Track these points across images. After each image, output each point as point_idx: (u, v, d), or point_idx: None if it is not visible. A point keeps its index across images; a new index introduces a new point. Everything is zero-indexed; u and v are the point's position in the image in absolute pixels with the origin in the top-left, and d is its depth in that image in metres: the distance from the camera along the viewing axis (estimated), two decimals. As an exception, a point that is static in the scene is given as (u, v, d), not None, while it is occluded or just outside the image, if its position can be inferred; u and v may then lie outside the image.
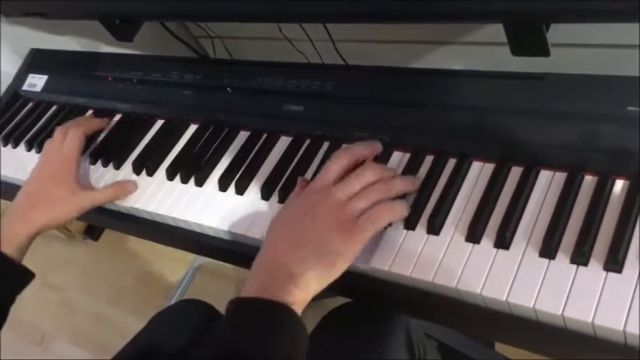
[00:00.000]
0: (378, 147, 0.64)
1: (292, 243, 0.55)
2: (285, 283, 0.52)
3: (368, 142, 0.64)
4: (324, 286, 0.53)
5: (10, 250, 0.69)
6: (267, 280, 0.53)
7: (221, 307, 0.86)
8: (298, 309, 0.52)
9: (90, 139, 0.83)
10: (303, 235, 0.55)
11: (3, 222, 0.71)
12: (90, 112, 0.89)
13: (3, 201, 0.87)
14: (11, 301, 0.70)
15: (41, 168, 0.76)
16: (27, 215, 0.71)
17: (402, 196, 0.59)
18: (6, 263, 0.69)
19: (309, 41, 1.06)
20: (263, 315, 0.51)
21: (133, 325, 1.06)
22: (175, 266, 1.57)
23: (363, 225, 0.54)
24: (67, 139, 0.77)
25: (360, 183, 0.57)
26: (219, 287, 1.49)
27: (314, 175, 0.67)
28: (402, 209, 0.57)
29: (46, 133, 0.89)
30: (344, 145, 0.67)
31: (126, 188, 0.75)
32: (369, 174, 0.58)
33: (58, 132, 0.79)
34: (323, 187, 0.58)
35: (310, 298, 0.53)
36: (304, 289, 0.52)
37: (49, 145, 0.78)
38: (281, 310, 0.51)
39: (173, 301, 1.46)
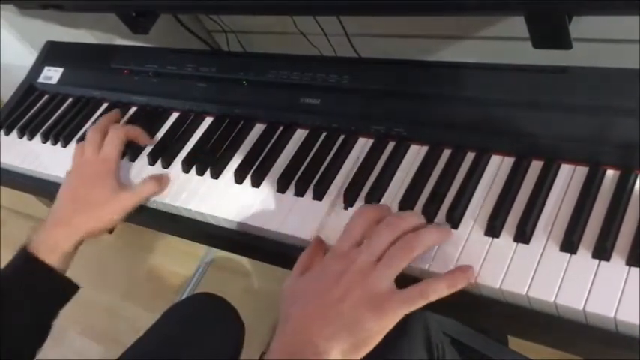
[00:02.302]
0: (389, 209, 0.58)
1: (319, 318, 0.50)
2: None
3: (383, 205, 0.60)
4: None
5: (53, 260, 0.66)
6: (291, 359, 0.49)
7: (233, 301, 0.87)
8: None
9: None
10: (331, 311, 0.50)
11: (44, 229, 0.68)
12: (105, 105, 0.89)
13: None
14: (53, 315, 0.67)
15: (81, 170, 0.73)
16: (71, 221, 0.68)
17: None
18: (48, 274, 0.65)
19: (324, 35, 1.06)
20: None
21: (145, 318, 1.06)
22: (187, 260, 1.58)
23: (397, 305, 0.50)
24: (108, 139, 0.75)
25: (382, 244, 0.52)
26: (231, 281, 1.49)
27: (328, 166, 0.67)
28: (441, 287, 0.50)
29: (61, 125, 0.89)
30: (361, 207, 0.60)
31: (163, 181, 0.73)
32: (388, 232, 0.53)
33: (94, 132, 0.76)
34: (345, 254, 0.54)
35: None
36: None
37: (87, 147, 0.75)
38: None
39: (185, 295, 1.47)
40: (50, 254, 0.66)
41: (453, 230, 0.55)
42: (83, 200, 0.70)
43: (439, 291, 0.50)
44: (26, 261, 0.66)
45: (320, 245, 0.59)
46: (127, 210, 0.71)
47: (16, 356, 0.63)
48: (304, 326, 0.51)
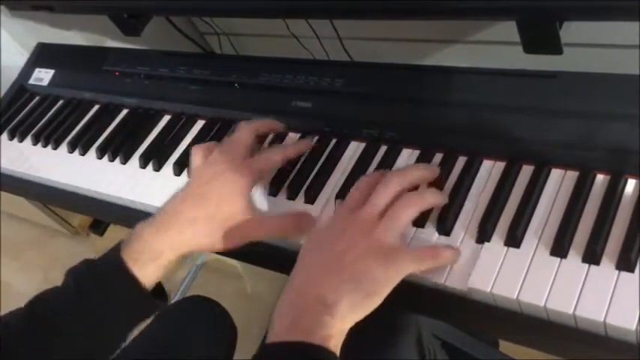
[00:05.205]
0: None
1: (324, 271, 0.50)
2: (319, 315, 0.47)
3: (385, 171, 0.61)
4: (361, 317, 0.49)
5: (150, 270, 0.58)
6: (299, 315, 0.48)
7: (225, 304, 0.86)
8: (336, 343, 0.48)
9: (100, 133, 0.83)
10: (337, 263, 0.50)
11: (150, 230, 0.59)
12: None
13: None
14: (132, 327, 0.60)
15: (219, 170, 0.61)
16: (183, 228, 0.58)
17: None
18: (135, 290, 0.57)
19: (317, 39, 1.06)
20: None
21: (136, 321, 1.06)
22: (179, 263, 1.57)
23: (406, 257, 0.51)
24: (271, 150, 0.66)
25: (386, 196, 0.53)
26: (222, 285, 1.48)
27: (320, 170, 0.67)
28: (451, 255, 0.52)
29: (52, 127, 0.88)
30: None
31: (302, 224, 0.61)
32: (392, 185, 0.54)
33: (253, 128, 0.65)
34: (350, 210, 0.54)
35: (347, 329, 0.49)
36: (341, 320, 0.48)
37: (238, 144, 0.63)
38: (314, 352, 0.46)
39: (177, 298, 1.46)
40: (149, 264, 0.58)
41: (446, 236, 0.55)
42: (209, 208, 0.59)
43: (448, 258, 0.52)
44: (115, 268, 0.58)
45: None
46: (250, 239, 0.60)
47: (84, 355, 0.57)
48: (310, 280, 0.51)
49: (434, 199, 0.55)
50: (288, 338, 0.48)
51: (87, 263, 0.60)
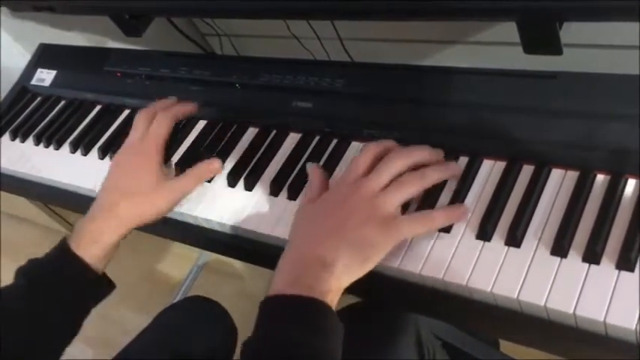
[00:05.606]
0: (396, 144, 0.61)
1: (325, 234, 0.53)
2: (318, 272, 0.50)
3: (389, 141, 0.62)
4: (356, 279, 0.52)
5: (94, 252, 0.63)
6: (298, 272, 0.52)
7: (226, 304, 0.86)
8: (333, 299, 0.51)
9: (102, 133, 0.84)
10: (338, 228, 0.53)
11: (85, 221, 0.65)
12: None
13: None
14: (85, 312, 0.65)
15: (125, 157, 0.70)
16: (112, 212, 0.65)
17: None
18: (82, 270, 0.63)
19: (317, 39, 1.06)
20: (296, 312, 0.50)
21: (136, 322, 1.06)
22: (180, 264, 1.57)
23: (402, 223, 0.53)
24: (154, 124, 0.70)
25: (391, 171, 0.55)
26: (224, 284, 1.49)
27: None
28: (444, 218, 0.54)
29: (54, 128, 0.88)
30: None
31: (212, 167, 0.69)
32: (399, 162, 0.56)
33: (142, 117, 0.71)
34: (353, 180, 0.56)
35: (343, 288, 0.52)
36: (337, 278, 0.51)
37: (132, 132, 0.71)
38: (314, 305, 0.49)
39: (178, 299, 1.46)
40: (91, 246, 0.63)
41: (446, 234, 0.56)
42: (126, 190, 0.66)
43: (441, 219, 0.54)
44: (61, 253, 0.64)
45: (321, 175, 0.61)
46: (172, 201, 0.67)
47: (40, 349, 0.63)
48: (312, 242, 0.53)
49: (437, 176, 0.57)
50: (288, 292, 0.50)
51: (33, 259, 0.65)
